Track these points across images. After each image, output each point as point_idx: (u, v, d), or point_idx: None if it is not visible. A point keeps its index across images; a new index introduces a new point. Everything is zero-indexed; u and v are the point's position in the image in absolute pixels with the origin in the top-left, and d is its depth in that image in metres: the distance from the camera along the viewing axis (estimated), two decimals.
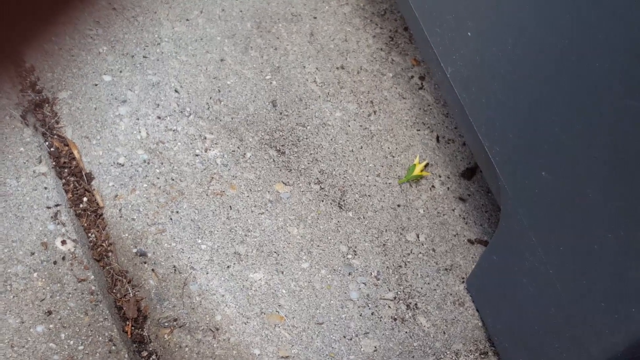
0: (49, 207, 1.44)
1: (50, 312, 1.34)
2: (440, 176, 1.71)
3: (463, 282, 1.59)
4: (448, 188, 1.70)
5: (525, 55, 1.24)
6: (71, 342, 1.32)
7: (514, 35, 1.28)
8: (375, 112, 1.75)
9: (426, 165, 1.70)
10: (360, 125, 1.73)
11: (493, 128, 1.37)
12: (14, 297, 1.33)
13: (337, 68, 1.79)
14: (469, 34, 1.39)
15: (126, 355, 1.34)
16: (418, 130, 1.76)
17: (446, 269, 1.59)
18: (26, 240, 1.39)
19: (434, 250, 1.61)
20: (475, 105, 1.40)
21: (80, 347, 1.32)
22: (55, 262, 1.39)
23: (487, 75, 1.36)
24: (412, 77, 1.83)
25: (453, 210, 1.67)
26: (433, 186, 1.69)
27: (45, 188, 1.45)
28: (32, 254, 1.38)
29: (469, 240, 1.65)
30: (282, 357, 1.42)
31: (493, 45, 1.33)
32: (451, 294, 1.57)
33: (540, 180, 1.26)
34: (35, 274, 1.36)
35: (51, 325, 1.33)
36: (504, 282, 1.45)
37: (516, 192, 1.34)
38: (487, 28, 1.33)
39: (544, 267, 1.32)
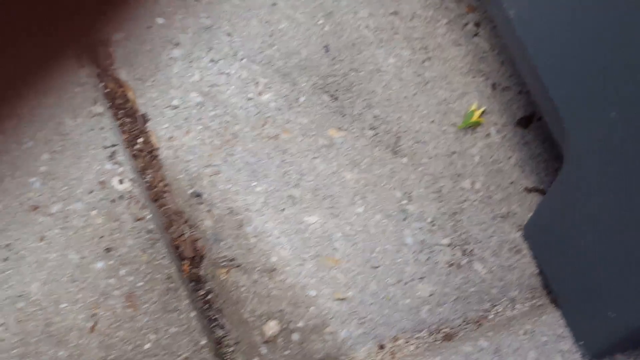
0: (105, 147, 1.49)
1: (109, 249, 1.39)
2: (496, 124, 1.74)
3: (519, 229, 1.62)
4: (504, 136, 1.73)
5: None
6: (131, 279, 1.38)
7: None
8: (429, 58, 1.79)
9: (482, 113, 1.73)
10: (414, 72, 1.76)
11: (559, 70, 1.39)
12: (74, 233, 1.39)
13: (391, 14, 1.82)
14: None
15: (184, 293, 1.39)
16: (473, 77, 1.79)
17: (502, 217, 1.63)
18: (84, 179, 1.45)
19: (489, 197, 1.65)
20: (540, 47, 1.42)
21: (140, 284, 1.38)
22: (113, 201, 1.44)
23: (554, 14, 1.38)
24: (467, 23, 1.86)
25: (509, 158, 1.71)
26: (489, 134, 1.72)
27: (102, 128, 1.51)
28: (91, 192, 1.44)
29: (526, 189, 1.68)
30: (338, 299, 1.47)
31: None
32: (507, 242, 1.61)
33: (608, 122, 1.28)
34: (94, 212, 1.42)
35: (111, 262, 1.38)
36: (564, 230, 1.48)
37: (581, 136, 1.37)
38: None
39: (607, 213, 1.35)
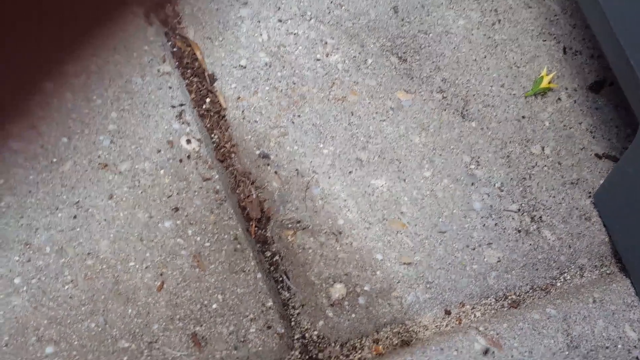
0: (173, 107, 1.43)
1: (177, 209, 1.34)
2: (566, 88, 1.64)
3: (590, 196, 1.53)
4: (575, 101, 1.63)
5: None
6: (198, 239, 1.32)
7: None
8: (499, 20, 1.69)
9: (552, 78, 1.63)
10: (484, 34, 1.66)
11: (638, 33, 1.29)
12: (142, 192, 1.34)
13: None
14: None
15: (251, 254, 1.33)
16: (544, 40, 1.68)
17: (572, 183, 1.54)
18: (152, 138, 1.39)
19: (559, 163, 1.55)
20: (620, 10, 1.32)
21: (207, 244, 1.32)
22: (180, 160, 1.38)
23: None
24: None
25: (580, 123, 1.61)
26: (559, 98, 1.62)
27: (170, 87, 1.44)
28: (159, 151, 1.38)
29: (597, 155, 1.58)
30: (405, 263, 1.40)
31: None
32: (577, 208, 1.52)
33: None
34: (162, 171, 1.36)
35: (178, 222, 1.33)
36: (635, 198, 1.39)
37: None
38: None
39: None
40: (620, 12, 1.33)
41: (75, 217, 1.30)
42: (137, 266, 1.28)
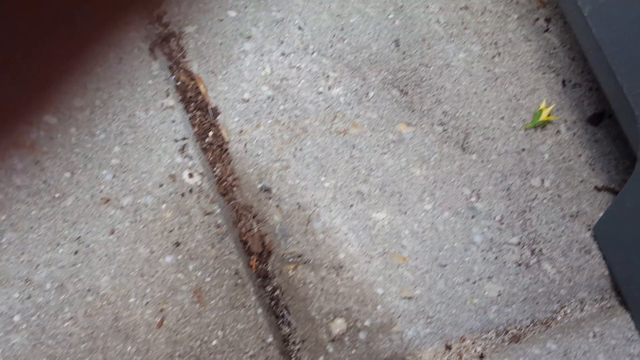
0: (176, 140, 1.39)
1: (178, 244, 1.30)
2: (566, 121, 1.60)
3: (589, 229, 1.49)
4: (574, 133, 1.59)
5: None
6: (199, 274, 1.28)
7: None
8: (499, 54, 1.65)
9: (552, 110, 1.59)
10: (484, 67, 1.63)
11: (635, 69, 1.26)
12: (143, 227, 1.30)
13: (461, 8, 1.69)
14: None
15: (252, 289, 1.29)
16: (543, 73, 1.65)
17: (572, 216, 1.50)
18: (155, 172, 1.35)
19: (559, 196, 1.51)
20: (616, 45, 1.29)
21: (208, 279, 1.28)
22: (183, 195, 1.35)
23: (632, 12, 1.24)
24: (538, 19, 1.71)
25: (579, 156, 1.57)
26: (558, 131, 1.58)
27: (173, 121, 1.41)
28: (161, 185, 1.34)
29: (596, 187, 1.54)
30: (405, 297, 1.36)
31: None
32: (577, 241, 1.47)
33: None
34: (164, 205, 1.33)
35: (179, 256, 1.29)
36: (635, 230, 1.35)
37: None
38: None
39: None
40: (617, 47, 1.29)
41: (76, 252, 1.26)
42: (137, 302, 1.24)
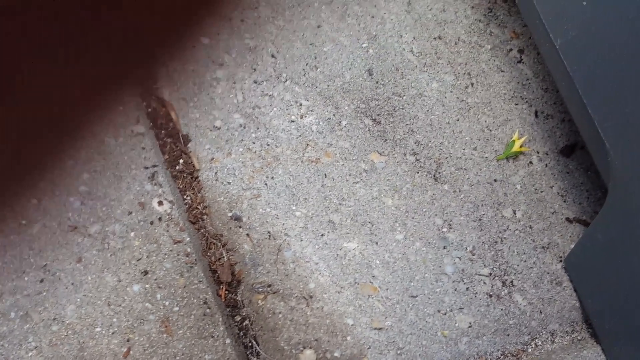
0: (146, 168, 1.38)
1: (146, 272, 1.28)
2: (538, 152, 1.60)
3: (560, 261, 1.49)
4: (546, 165, 1.59)
5: None
6: (167, 303, 1.26)
7: (636, 2, 1.17)
8: (472, 84, 1.66)
9: (524, 142, 1.60)
10: (457, 97, 1.63)
11: (606, 101, 1.26)
12: (111, 255, 1.28)
13: (435, 38, 1.70)
14: (584, 2, 1.29)
15: (220, 319, 1.28)
16: (516, 104, 1.65)
17: (543, 247, 1.50)
18: (124, 199, 1.34)
19: (531, 227, 1.51)
20: (588, 77, 1.30)
21: (176, 309, 1.27)
22: (152, 223, 1.33)
23: (603, 45, 1.25)
24: (511, 50, 1.72)
25: (551, 187, 1.57)
26: (531, 162, 1.59)
27: (143, 148, 1.40)
28: (130, 213, 1.33)
29: (567, 219, 1.54)
30: (375, 328, 1.34)
31: (612, 14, 1.23)
32: (548, 273, 1.47)
33: None
34: (132, 233, 1.31)
35: (147, 285, 1.27)
36: (608, 262, 1.35)
37: (627, 167, 1.24)
38: None
39: None
40: (588, 79, 1.30)
41: (42, 281, 1.24)
42: (103, 332, 1.22)
